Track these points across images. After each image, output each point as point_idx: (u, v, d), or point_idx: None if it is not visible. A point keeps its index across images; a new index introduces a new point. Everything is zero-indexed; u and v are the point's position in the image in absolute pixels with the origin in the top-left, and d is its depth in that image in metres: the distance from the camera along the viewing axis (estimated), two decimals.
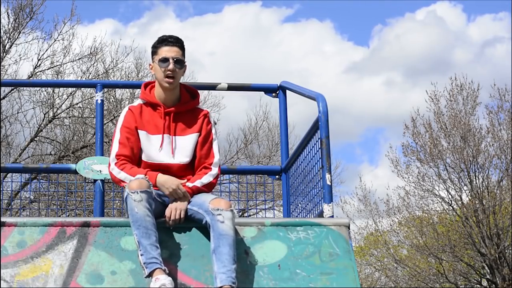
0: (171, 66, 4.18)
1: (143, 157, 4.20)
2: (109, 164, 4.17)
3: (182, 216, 4.03)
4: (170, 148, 4.20)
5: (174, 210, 4.02)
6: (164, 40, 4.24)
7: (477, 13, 49.33)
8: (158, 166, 4.16)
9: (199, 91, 4.44)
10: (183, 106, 4.28)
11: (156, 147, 4.18)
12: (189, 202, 4.08)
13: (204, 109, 4.36)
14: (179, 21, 41.77)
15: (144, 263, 3.80)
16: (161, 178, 4.06)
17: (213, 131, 4.32)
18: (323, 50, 43.85)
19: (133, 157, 4.18)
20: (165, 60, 4.19)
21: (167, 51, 4.21)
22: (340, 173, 25.53)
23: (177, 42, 4.24)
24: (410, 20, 42.92)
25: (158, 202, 4.04)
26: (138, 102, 4.31)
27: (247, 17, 41.57)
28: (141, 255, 3.81)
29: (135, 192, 3.85)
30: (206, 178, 4.18)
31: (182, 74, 4.28)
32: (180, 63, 4.21)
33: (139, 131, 4.20)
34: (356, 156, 44.33)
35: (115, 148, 4.18)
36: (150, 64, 4.33)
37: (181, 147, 4.21)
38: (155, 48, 4.26)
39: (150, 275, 3.78)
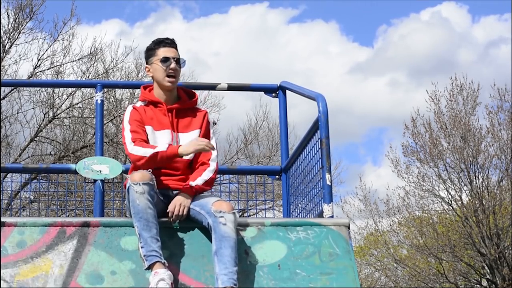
0: (173, 65, 4.22)
1: None
2: (126, 148, 4.10)
3: (185, 212, 4.03)
4: (174, 144, 4.20)
5: (179, 205, 4.03)
6: (161, 42, 4.29)
7: (481, 14, 49.32)
8: None
9: (199, 91, 4.46)
10: (184, 104, 4.31)
11: (162, 143, 4.17)
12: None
13: (203, 109, 4.40)
14: (185, 22, 41.83)
15: (144, 256, 3.81)
16: (182, 148, 4.01)
17: (211, 130, 4.34)
18: (328, 50, 43.88)
19: (147, 141, 4.14)
20: (166, 59, 4.23)
21: (166, 52, 4.25)
22: (340, 173, 25.54)
23: (173, 43, 4.31)
24: (415, 21, 42.92)
25: (160, 200, 4.04)
26: (139, 104, 4.31)
27: (253, 18, 41.61)
28: (142, 247, 3.83)
29: (137, 184, 3.86)
30: (206, 174, 4.19)
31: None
32: (179, 62, 4.27)
33: (145, 126, 4.21)
34: (359, 156, 44.33)
35: (128, 136, 4.12)
36: (146, 67, 4.33)
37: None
38: (152, 50, 4.29)
39: (149, 267, 3.80)
